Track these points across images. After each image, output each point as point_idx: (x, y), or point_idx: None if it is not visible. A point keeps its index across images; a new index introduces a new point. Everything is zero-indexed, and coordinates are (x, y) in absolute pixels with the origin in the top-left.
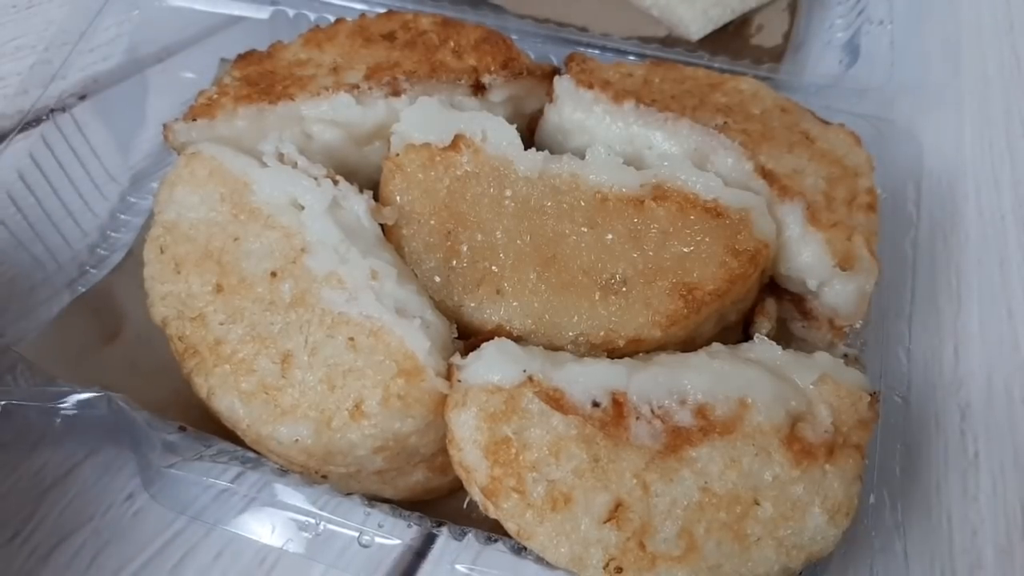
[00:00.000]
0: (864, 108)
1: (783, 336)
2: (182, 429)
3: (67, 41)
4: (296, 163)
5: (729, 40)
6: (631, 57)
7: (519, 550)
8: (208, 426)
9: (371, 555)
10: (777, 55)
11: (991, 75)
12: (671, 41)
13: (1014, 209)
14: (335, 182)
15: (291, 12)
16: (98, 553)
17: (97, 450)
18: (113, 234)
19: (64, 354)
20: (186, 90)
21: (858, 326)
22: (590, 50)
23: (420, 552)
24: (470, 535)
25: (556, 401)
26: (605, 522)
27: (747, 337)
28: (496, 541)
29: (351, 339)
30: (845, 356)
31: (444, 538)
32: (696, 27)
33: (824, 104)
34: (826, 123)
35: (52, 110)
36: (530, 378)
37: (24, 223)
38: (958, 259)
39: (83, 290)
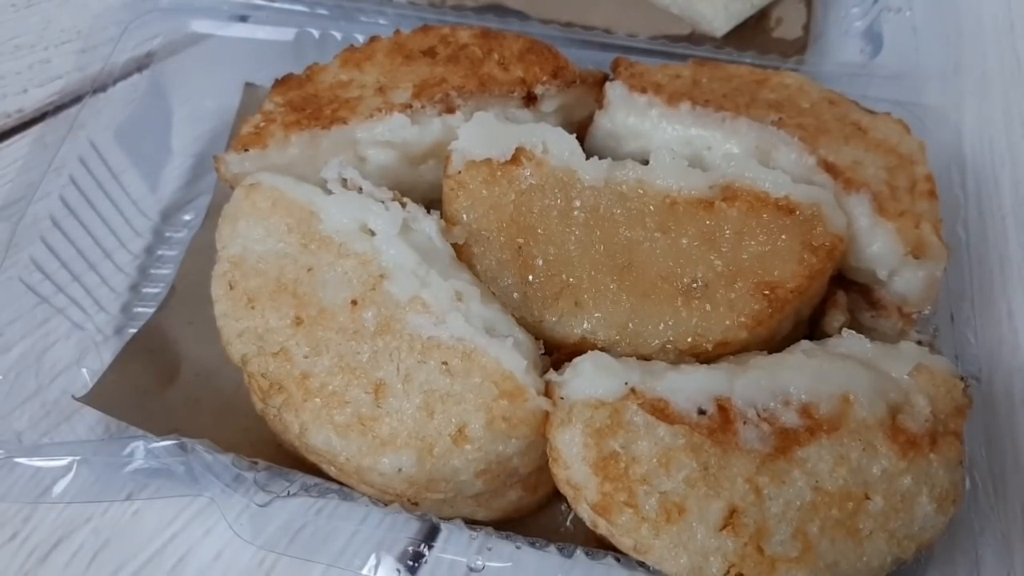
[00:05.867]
0: (896, 94)
1: (853, 327)
2: (258, 465)
3: (83, 67)
4: (360, 188)
5: (752, 35)
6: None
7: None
8: (281, 460)
9: None
10: (801, 47)
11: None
12: (697, 39)
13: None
14: (403, 204)
15: (316, 33)
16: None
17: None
18: (153, 271)
19: (128, 400)
20: (209, 118)
21: (926, 312)
22: (630, 55)
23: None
24: (579, 552)
25: (661, 411)
26: (721, 529)
27: (815, 330)
28: (604, 556)
29: (444, 363)
30: (919, 343)
31: (555, 556)
32: (719, 23)
33: (861, 94)
34: (872, 112)
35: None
36: (632, 390)
37: (62, 269)
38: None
39: (134, 331)
